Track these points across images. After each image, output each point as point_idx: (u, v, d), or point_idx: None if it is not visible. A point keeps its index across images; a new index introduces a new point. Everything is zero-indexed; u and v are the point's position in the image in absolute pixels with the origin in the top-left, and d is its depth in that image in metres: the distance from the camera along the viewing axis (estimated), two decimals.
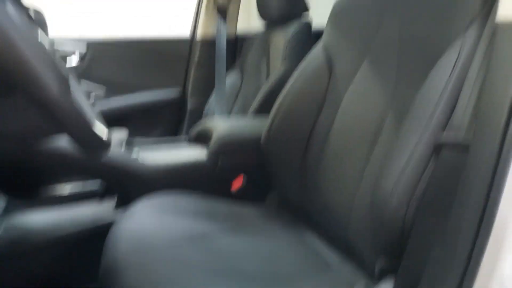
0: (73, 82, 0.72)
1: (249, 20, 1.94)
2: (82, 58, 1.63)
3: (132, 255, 0.69)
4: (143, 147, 1.20)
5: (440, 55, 0.63)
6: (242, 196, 1.08)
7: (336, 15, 0.93)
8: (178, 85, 1.78)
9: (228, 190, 1.11)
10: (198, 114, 1.71)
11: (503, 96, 0.48)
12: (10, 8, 0.61)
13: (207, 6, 1.72)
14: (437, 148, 0.58)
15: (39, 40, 0.63)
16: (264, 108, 1.30)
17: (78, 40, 1.63)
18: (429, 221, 0.57)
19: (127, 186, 1.04)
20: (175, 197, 0.92)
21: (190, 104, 1.76)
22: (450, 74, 0.60)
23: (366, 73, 0.81)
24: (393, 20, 0.76)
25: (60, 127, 0.54)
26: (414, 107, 0.65)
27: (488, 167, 0.48)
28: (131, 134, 1.23)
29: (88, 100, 0.77)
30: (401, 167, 0.61)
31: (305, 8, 1.50)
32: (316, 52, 0.94)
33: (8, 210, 1.00)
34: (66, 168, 0.99)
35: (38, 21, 0.92)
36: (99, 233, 0.83)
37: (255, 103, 1.38)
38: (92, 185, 1.12)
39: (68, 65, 1.61)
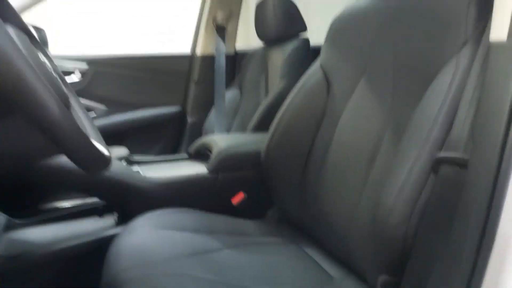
0: (73, 100, 0.72)
1: (248, 36, 1.97)
2: (82, 75, 1.64)
3: (132, 270, 0.69)
4: (143, 164, 1.20)
5: (436, 74, 0.65)
6: (242, 212, 1.08)
7: (333, 34, 0.95)
8: (178, 102, 1.80)
9: (228, 206, 1.11)
10: (198, 131, 1.72)
11: (499, 113, 0.49)
12: (11, 29, 0.62)
13: (206, 25, 1.75)
14: (436, 165, 0.59)
15: (41, 59, 0.63)
16: (263, 124, 1.31)
17: (79, 58, 1.65)
18: (430, 238, 0.57)
19: (127, 202, 1.04)
20: (175, 212, 0.92)
21: (189, 121, 1.77)
22: (446, 93, 0.61)
23: (363, 91, 0.83)
24: (388, 40, 0.78)
25: (60, 147, 0.53)
26: (411, 124, 0.66)
27: (487, 182, 0.48)
28: (131, 151, 1.24)
29: (89, 117, 0.78)
30: (400, 184, 0.62)
31: (303, 28, 1.53)
32: (315, 69, 0.96)
33: (8, 227, 0.99)
34: (67, 185, 0.99)
35: (40, 38, 0.94)
36: (100, 248, 0.83)
37: (254, 120, 1.39)
38: (93, 201, 1.12)
39: (69, 82, 1.62)
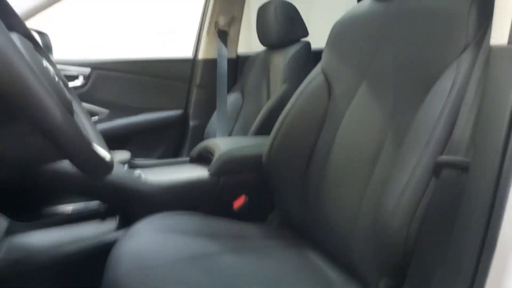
0: (76, 105, 0.73)
1: (250, 40, 1.98)
2: (85, 80, 1.65)
3: (133, 275, 0.69)
4: (145, 167, 1.20)
5: (437, 79, 0.65)
6: (244, 215, 1.08)
7: (334, 38, 0.95)
8: (180, 105, 1.80)
9: (230, 209, 1.11)
10: (200, 134, 1.73)
11: (500, 116, 0.49)
12: (16, 36, 0.63)
13: (208, 29, 1.76)
14: (437, 168, 0.59)
15: (44, 65, 0.64)
16: (264, 127, 1.32)
17: (82, 63, 1.66)
18: (432, 241, 0.57)
19: (129, 206, 1.04)
20: (176, 216, 0.92)
21: (191, 124, 1.78)
22: (447, 97, 0.61)
23: (365, 95, 0.83)
24: (389, 43, 0.78)
25: (62, 152, 0.53)
26: (413, 128, 0.66)
27: (489, 186, 0.48)
28: (134, 155, 1.24)
29: (91, 122, 0.78)
30: (402, 187, 0.62)
31: (305, 33, 1.53)
32: (316, 72, 0.96)
33: (10, 231, 0.99)
34: (69, 189, 1.00)
35: (43, 43, 0.95)
36: (101, 253, 0.83)
37: (256, 123, 1.39)
38: (94, 205, 1.12)
39: (71, 87, 1.63)
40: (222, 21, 1.74)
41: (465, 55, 0.62)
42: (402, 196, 0.61)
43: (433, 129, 0.61)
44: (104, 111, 1.68)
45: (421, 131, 0.63)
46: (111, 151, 0.69)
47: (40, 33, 1.05)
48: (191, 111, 1.79)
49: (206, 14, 1.77)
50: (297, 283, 0.76)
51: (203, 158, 1.22)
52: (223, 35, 1.75)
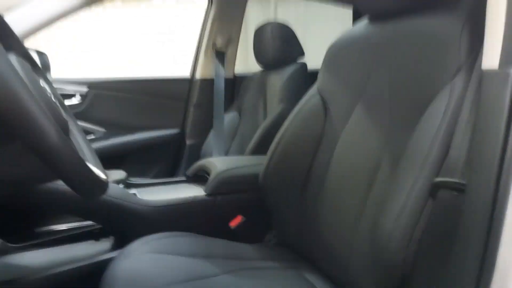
0: (72, 124, 0.73)
1: (247, 60, 2.01)
2: (82, 98, 1.66)
3: None
4: (141, 187, 1.20)
5: (431, 100, 0.66)
6: (240, 235, 1.07)
7: (329, 59, 0.96)
8: (177, 124, 1.81)
9: (226, 229, 1.10)
10: (196, 154, 1.73)
11: (494, 138, 0.49)
12: (14, 56, 0.63)
13: (206, 49, 1.79)
14: (433, 190, 0.59)
15: (41, 86, 0.64)
16: (261, 147, 1.32)
17: (79, 81, 1.66)
18: (430, 263, 0.57)
19: (124, 226, 1.03)
20: (172, 236, 0.91)
21: (188, 143, 1.78)
22: (442, 118, 0.62)
23: (360, 115, 0.84)
24: (383, 65, 0.79)
25: (57, 173, 0.53)
26: (408, 149, 0.66)
27: (485, 207, 0.48)
28: (130, 173, 1.23)
29: (87, 141, 0.78)
30: (399, 209, 0.62)
31: (300, 53, 1.56)
32: (312, 93, 0.97)
33: (3, 251, 0.98)
34: (63, 209, 0.99)
35: (42, 63, 0.95)
36: (95, 273, 0.82)
37: (253, 142, 1.40)
38: (89, 225, 1.10)
39: (68, 106, 1.63)
40: (219, 41, 1.77)
41: (458, 78, 0.63)
42: (399, 217, 0.61)
43: (429, 150, 0.61)
44: (100, 129, 1.68)
45: (416, 152, 0.64)
46: (107, 170, 0.69)
47: (39, 53, 1.05)
48: (187, 130, 1.79)
49: (203, 35, 1.79)
50: None
51: (199, 178, 1.22)
52: (221, 56, 1.77)
